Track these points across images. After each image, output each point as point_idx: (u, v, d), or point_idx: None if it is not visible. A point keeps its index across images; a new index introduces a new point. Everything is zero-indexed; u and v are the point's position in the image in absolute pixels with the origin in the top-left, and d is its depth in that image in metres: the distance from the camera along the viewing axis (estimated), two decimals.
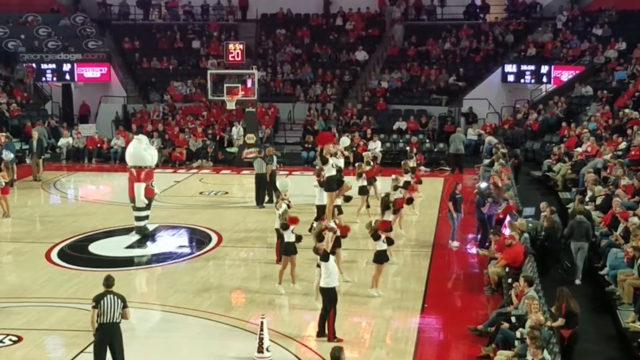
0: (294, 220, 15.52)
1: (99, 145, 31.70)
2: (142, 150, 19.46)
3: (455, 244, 18.75)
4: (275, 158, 24.50)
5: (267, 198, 22.77)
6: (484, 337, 13.02)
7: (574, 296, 15.35)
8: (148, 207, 19.60)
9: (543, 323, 11.58)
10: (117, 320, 11.12)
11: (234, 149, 30.84)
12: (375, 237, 15.22)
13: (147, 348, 12.96)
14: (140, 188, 19.29)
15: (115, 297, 11.13)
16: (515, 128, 32.05)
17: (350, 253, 17.71)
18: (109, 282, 11.29)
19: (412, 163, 23.64)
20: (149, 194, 19.47)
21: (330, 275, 13.16)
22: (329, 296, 13.17)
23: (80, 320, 13.67)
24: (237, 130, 31.33)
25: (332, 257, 13.42)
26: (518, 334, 11.82)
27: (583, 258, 16.34)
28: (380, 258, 15.31)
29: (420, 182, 22.85)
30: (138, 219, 19.56)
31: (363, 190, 21.50)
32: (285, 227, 15.52)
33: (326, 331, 13.11)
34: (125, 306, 11.21)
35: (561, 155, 25.86)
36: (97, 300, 11.05)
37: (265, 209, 21.97)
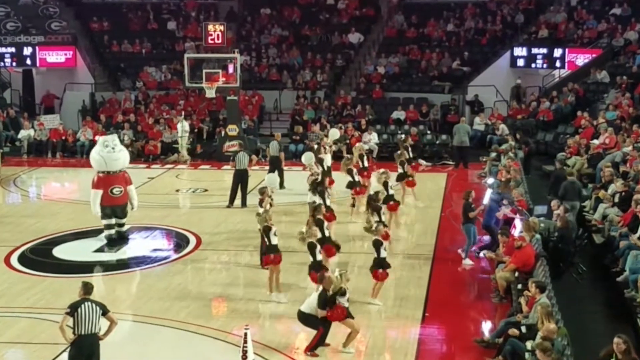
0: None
1: (63, 137, 31.69)
2: (94, 152, 19.56)
3: (469, 262, 17.90)
4: (279, 146, 24.98)
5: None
6: (491, 349, 13.08)
7: (588, 300, 15.52)
8: (112, 215, 19.37)
9: (556, 332, 11.63)
10: (96, 331, 11.13)
11: (181, 150, 30.18)
12: (377, 245, 15.29)
13: None
14: (92, 195, 19.34)
15: (94, 305, 11.15)
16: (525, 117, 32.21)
17: (343, 256, 17.73)
18: (87, 288, 11.30)
19: (407, 154, 23.63)
20: (108, 202, 19.25)
21: None
22: (315, 320, 13.24)
23: (44, 331, 13.68)
24: (181, 127, 30.29)
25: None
26: (528, 346, 11.89)
27: (575, 215, 18.58)
28: (382, 266, 15.37)
29: (411, 176, 22.73)
30: (106, 226, 19.51)
31: (352, 185, 21.53)
32: (267, 229, 15.56)
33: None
34: (105, 312, 11.23)
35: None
36: (74, 308, 11.04)
37: (248, 208, 21.98)
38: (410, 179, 22.43)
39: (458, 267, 17.87)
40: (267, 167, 27.80)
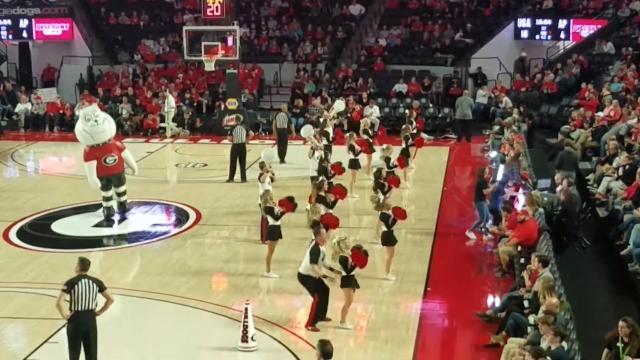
0: (285, 205, 15.51)
1: (61, 111, 31.64)
2: (79, 127, 19.43)
3: (472, 236, 17.91)
4: (287, 117, 25.22)
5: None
6: (494, 324, 13.12)
7: (591, 274, 15.55)
8: (110, 186, 19.29)
9: (558, 307, 11.66)
10: (93, 308, 11.16)
11: (170, 127, 30.02)
12: (385, 218, 15.30)
13: (117, 337, 13.00)
14: (86, 168, 19.26)
15: (90, 282, 11.15)
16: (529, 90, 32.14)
17: (342, 232, 17.73)
18: (84, 265, 11.29)
19: (412, 129, 23.63)
20: (103, 172, 19.12)
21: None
22: (316, 283, 13.30)
23: (43, 306, 13.72)
24: (167, 102, 30.18)
25: (323, 249, 13.48)
26: (531, 320, 11.92)
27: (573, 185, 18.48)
28: (390, 240, 15.40)
29: (408, 153, 22.58)
30: (104, 199, 19.46)
31: (354, 164, 21.51)
32: (268, 210, 15.57)
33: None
34: (102, 289, 11.25)
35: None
36: (70, 285, 11.05)
37: (249, 183, 21.97)
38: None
39: (460, 242, 17.90)
40: (268, 142, 27.90)
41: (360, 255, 12.97)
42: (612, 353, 10.49)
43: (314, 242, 13.39)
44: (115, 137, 20.01)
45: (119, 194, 19.50)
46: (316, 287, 13.29)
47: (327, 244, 13.55)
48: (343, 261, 13.02)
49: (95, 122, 19.01)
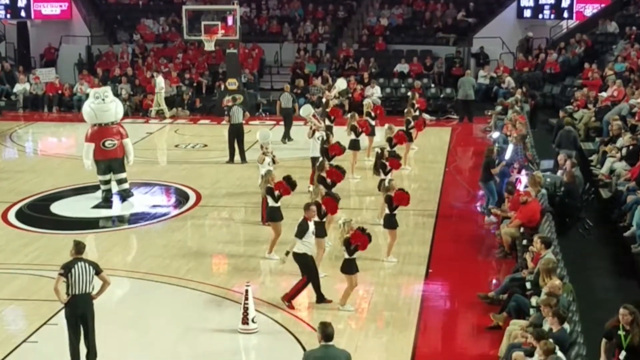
0: (283, 189, 15.49)
1: (60, 92, 31.57)
2: (85, 105, 19.37)
3: (493, 219, 17.51)
4: (291, 97, 25.42)
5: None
6: (495, 306, 13.12)
7: (594, 256, 15.54)
8: (108, 171, 19.15)
9: (561, 289, 11.66)
10: (90, 291, 11.15)
11: (162, 108, 29.77)
12: (389, 201, 15.33)
13: (117, 320, 13.03)
14: (84, 148, 19.18)
15: (87, 265, 11.13)
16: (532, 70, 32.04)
17: (344, 213, 17.71)
18: (79, 248, 11.27)
19: (414, 112, 23.55)
20: (101, 156, 18.99)
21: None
22: (309, 265, 13.34)
23: (43, 288, 13.72)
24: (157, 83, 29.90)
25: (311, 224, 13.54)
26: (533, 302, 11.92)
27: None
28: (392, 223, 15.39)
29: (410, 135, 22.45)
30: (101, 182, 19.34)
31: (355, 145, 21.44)
32: (269, 191, 15.54)
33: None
34: (98, 272, 11.24)
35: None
36: (67, 268, 11.03)
37: (249, 164, 21.94)
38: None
39: (462, 223, 17.90)
40: (269, 122, 27.89)
41: (361, 236, 12.97)
42: (612, 343, 10.36)
43: (303, 218, 13.51)
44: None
45: (119, 181, 19.31)
46: (308, 269, 13.32)
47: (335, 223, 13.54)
48: (347, 243, 13.02)
49: (102, 101, 18.95)
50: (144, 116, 29.83)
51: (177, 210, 19.01)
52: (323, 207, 14.44)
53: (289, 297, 13.36)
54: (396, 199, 15.35)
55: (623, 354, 9.98)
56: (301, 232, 13.28)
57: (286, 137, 25.09)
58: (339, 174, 16.52)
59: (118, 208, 19.08)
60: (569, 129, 21.21)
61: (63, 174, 21.81)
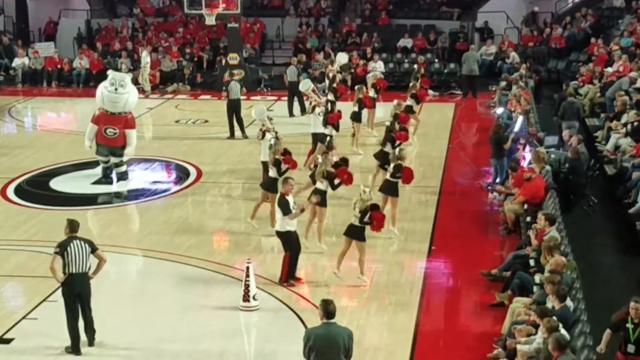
0: (291, 163, 15.46)
1: (59, 66, 31.43)
2: (101, 85, 19.16)
3: (497, 195, 17.40)
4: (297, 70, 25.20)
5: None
6: (499, 283, 13.13)
7: (599, 233, 15.51)
8: (109, 154, 18.96)
9: (565, 266, 11.64)
10: (87, 270, 11.14)
11: (144, 84, 29.52)
12: (398, 169, 15.38)
13: (116, 296, 13.05)
14: (88, 127, 19.09)
15: (82, 243, 11.12)
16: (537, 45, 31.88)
17: (348, 189, 17.68)
18: (73, 226, 11.25)
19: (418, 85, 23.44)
20: (102, 141, 18.81)
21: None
22: (291, 240, 13.36)
23: (42, 265, 13.67)
24: (143, 57, 29.71)
25: (291, 199, 13.51)
26: (537, 279, 11.91)
27: (576, 134, 18.77)
28: (393, 190, 15.34)
29: (412, 110, 22.32)
30: (101, 161, 19.22)
31: (356, 117, 21.36)
32: (276, 162, 15.50)
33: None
34: (94, 250, 11.22)
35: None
36: (63, 247, 11.02)
37: (250, 139, 21.88)
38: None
39: (466, 200, 17.86)
40: (270, 97, 27.83)
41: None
42: (617, 335, 10.12)
43: (280, 194, 13.52)
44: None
45: (118, 165, 19.14)
46: (290, 244, 13.33)
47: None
48: (364, 212, 13.12)
49: (115, 90, 18.69)
50: (144, 91, 29.71)
51: (178, 186, 18.99)
52: (336, 179, 14.59)
53: (284, 278, 13.37)
54: (404, 176, 15.32)
55: (632, 347, 9.78)
56: (285, 208, 13.23)
57: (300, 109, 24.99)
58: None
59: (118, 184, 19.02)
60: (571, 101, 21.45)
61: (62, 150, 21.77)
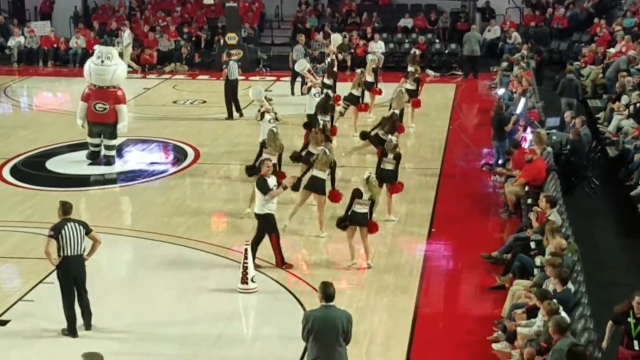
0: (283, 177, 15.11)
1: (55, 45, 31.31)
2: (88, 61, 19.07)
3: (498, 178, 17.38)
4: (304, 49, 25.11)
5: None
6: (499, 265, 13.13)
7: (600, 215, 15.51)
8: (99, 135, 18.75)
9: (565, 248, 11.63)
10: (82, 252, 11.12)
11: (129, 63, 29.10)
12: (398, 158, 15.34)
13: (112, 279, 13.06)
14: (78, 106, 18.96)
15: (77, 225, 11.09)
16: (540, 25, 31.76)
17: (346, 171, 17.70)
18: (66, 208, 11.20)
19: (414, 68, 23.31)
20: (92, 118, 18.63)
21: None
22: (273, 222, 13.32)
23: (38, 246, 13.63)
24: (125, 37, 29.49)
25: (272, 180, 13.42)
26: (537, 262, 11.91)
27: (574, 110, 19.93)
28: (390, 177, 15.34)
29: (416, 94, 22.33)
30: (90, 145, 18.96)
31: (354, 99, 21.28)
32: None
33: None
34: (88, 231, 11.20)
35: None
36: (57, 230, 10.99)
37: (249, 120, 21.81)
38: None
39: (466, 182, 17.84)
40: (269, 78, 27.76)
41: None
42: (619, 328, 9.97)
43: (258, 176, 13.45)
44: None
45: (107, 147, 18.92)
46: (270, 226, 13.25)
47: None
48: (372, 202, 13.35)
49: (101, 63, 18.53)
50: (142, 71, 29.65)
51: (175, 167, 18.95)
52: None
53: (280, 262, 13.34)
54: (394, 187, 15.40)
55: (637, 344, 9.65)
56: (264, 190, 13.13)
57: (299, 88, 24.69)
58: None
59: (115, 165, 18.95)
60: (570, 77, 21.66)
61: (59, 130, 21.71)
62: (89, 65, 18.88)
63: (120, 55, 25.80)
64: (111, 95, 18.76)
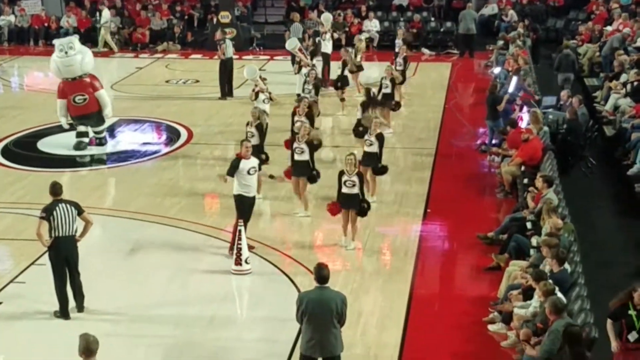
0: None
1: (46, 24, 31.14)
2: (52, 57, 18.48)
3: (495, 158, 17.26)
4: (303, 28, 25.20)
5: None
6: (495, 246, 13.12)
7: (597, 195, 15.48)
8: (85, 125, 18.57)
9: (562, 228, 11.62)
10: (73, 233, 11.08)
11: (106, 40, 29.17)
12: (382, 140, 15.12)
13: (107, 261, 13.02)
14: (57, 105, 18.58)
15: (68, 205, 11.05)
16: (536, 3, 31.65)
17: (332, 151, 17.66)
18: (55, 189, 11.15)
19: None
20: (75, 112, 18.34)
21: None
22: (242, 204, 13.10)
23: (29, 228, 13.61)
24: (104, 15, 29.25)
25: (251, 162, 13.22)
26: (534, 242, 11.90)
27: (570, 85, 20.82)
28: (374, 161, 15.22)
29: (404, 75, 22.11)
30: (77, 134, 18.69)
31: (344, 80, 21.29)
32: (259, 127, 15.47)
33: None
34: (80, 212, 11.16)
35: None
36: (48, 211, 10.95)
37: (242, 100, 21.71)
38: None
39: (462, 162, 17.81)
40: (262, 57, 27.64)
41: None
42: (622, 322, 9.62)
43: (235, 156, 13.23)
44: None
45: (97, 133, 18.78)
46: (241, 210, 12.99)
47: None
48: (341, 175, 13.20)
49: (65, 54, 18.09)
50: (134, 50, 29.51)
51: (168, 148, 18.89)
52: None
53: (230, 246, 13.02)
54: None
55: (634, 335, 9.50)
56: (231, 169, 12.93)
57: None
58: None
59: (107, 146, 18.89)
60: (567, 53, 21.98)
61: (50, 110, 21.42)
62: (54, 60, 18.39)
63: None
64: (86, 84, 18.41)
